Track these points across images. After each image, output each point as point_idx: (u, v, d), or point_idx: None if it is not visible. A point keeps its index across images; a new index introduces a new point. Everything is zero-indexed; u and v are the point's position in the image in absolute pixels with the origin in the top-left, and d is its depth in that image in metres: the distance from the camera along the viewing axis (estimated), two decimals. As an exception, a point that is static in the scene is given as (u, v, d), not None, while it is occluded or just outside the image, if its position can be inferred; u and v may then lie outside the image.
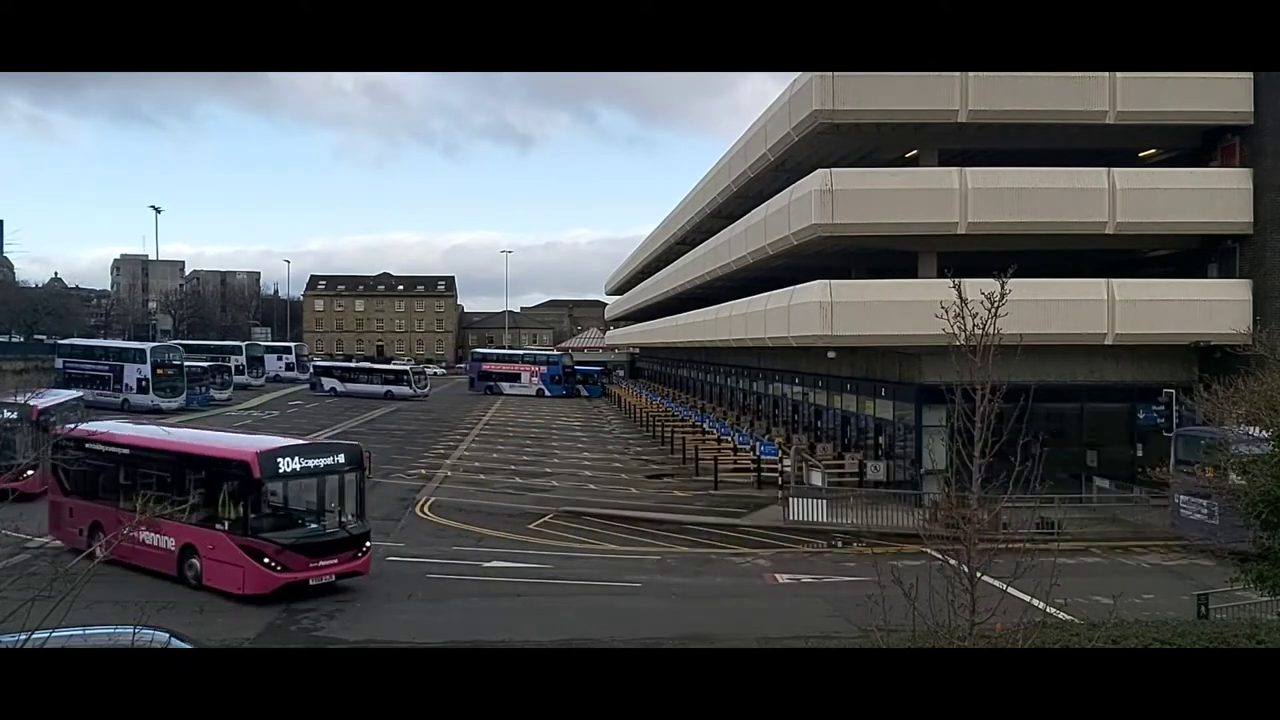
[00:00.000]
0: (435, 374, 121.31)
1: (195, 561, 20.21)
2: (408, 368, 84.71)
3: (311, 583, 19.66)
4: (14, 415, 29.96)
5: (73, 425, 26.81)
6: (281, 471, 20.01)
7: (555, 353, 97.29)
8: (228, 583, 19.54)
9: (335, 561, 20.00)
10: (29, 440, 29.62)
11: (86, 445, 22.80)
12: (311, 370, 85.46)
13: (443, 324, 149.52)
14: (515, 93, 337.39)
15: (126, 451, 22.64)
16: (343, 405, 68.61)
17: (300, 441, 23.19)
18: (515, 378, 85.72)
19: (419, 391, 77.58)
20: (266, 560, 19.27)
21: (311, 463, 20.51)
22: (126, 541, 20.19)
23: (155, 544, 20.59)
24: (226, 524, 19.81)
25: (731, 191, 42.36)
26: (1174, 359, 29.57)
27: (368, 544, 20.81)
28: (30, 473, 27.84)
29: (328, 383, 79.82)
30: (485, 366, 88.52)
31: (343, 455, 21.15)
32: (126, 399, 57.66)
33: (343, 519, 20.90)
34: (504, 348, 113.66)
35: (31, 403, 31.24)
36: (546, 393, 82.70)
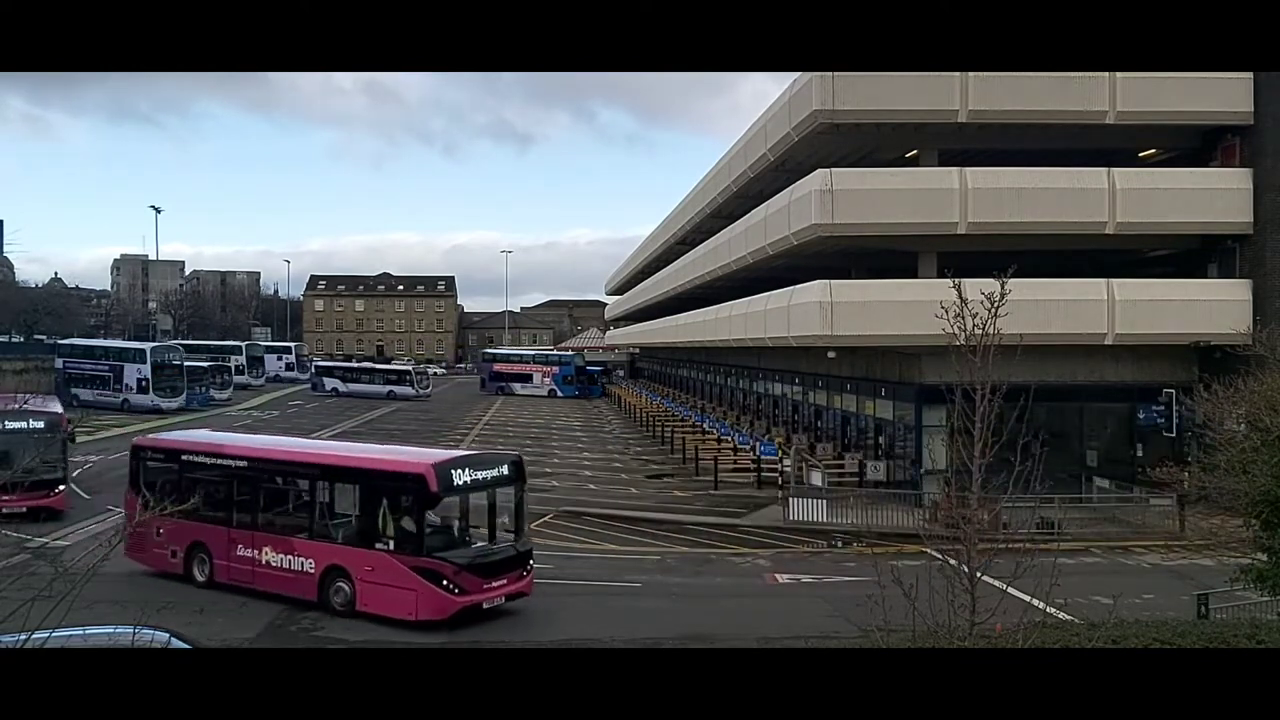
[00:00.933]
0: (435, 374, 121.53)
1: (344, 585, 18.22)
2: (410, 368, 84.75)
3: (485, 606, 17.89)
4: (40, 424, 27.53)
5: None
6: (456, 484, 18.21)
7: (568, 353, 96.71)
8: (393, 608, 17.59)
9: (505, 582, 18.24)
10: (58, 451, 27.26)
11: (184, 457, 21.19)
12: (313, 370, 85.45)
13: (443, 324, 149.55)
14: (514, 92, 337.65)
15: (245, 464, 20.41)
16: (342, 405, 68.61)
17: (469, 452, 21.45)
18: (527, 378, 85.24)
19: (421, 392, 77.60)
20: (445, 582, 17.41)
21: (481, 475, 18.76)
22: (242, 563, 19.53)
23: (287, 566, 18.95)
24: (392, 543, 17.83)
25: (731, 191, 42.37)
26: (1174, 359, 29.58)
27: (531, 562, 19.12)
28: (60, 488, 26.68)
29: (329, 383, 79.80)
30: (497, 367, 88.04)
31: (507, 466, 19.37)
32: (126, 399, 57.67)
33: (511, 535, 19.24)
34: (516, 348, 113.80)
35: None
36: (559, 393, 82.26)
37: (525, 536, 19.34)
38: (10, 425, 25.72)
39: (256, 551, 19.49)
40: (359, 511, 18.66)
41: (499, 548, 18.78)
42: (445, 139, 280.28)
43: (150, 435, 24.01)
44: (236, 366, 77.55)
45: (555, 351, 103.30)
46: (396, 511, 18.13)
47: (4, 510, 24.23)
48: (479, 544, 18.85)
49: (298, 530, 19.38)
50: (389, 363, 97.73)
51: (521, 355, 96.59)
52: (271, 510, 20.07)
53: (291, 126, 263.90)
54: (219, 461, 20.77)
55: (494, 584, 18.01)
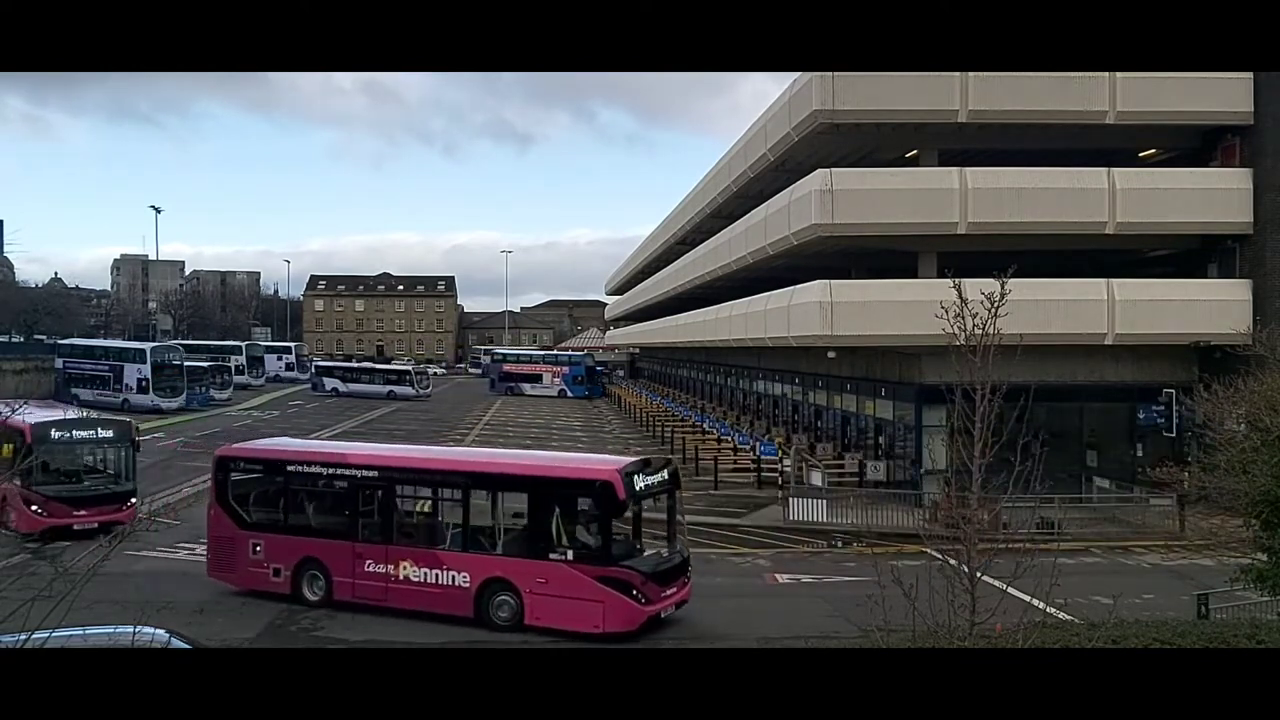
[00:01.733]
0: (435, 374, 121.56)
1: (508, 598, 17.21)
2: (410, 368, 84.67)
3: (663, 615, 17.28)
4: (109, 433, 25.82)
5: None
6: (637, 491, 17.52)
7: (578, 353, 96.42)
8: (574, 620, 16.68)
9: (675, 590, 17.60)
10: (128, 463, 25.51)
11: (291, 468, 19.66)
12: (313, 370, 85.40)
13: (443, 324, 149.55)
14: (514, 92, 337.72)
15: (376, 474, 18.99)
16: (342, 405, 68.61)
17: (638, 458, 20.72)
18: (537, 379, 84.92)
19: (421, 392, 77.57)
20: (634, 592, 16.69)
21: (653, 479, 18.15)
22: (371, 580, 18.20)
23: (433, 581, 17.80)
24: (571, 553, 16.98)
25: (731, 191, 42.37)
26: (1174, 359, 29.57)
27: (690, 569, 18.50)
28: (132, 501, 24.86)
29: (329, 383, 79.77)
30: (506, 367, 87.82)
31: (666, 472, 18.70)
32: (126, 399, 57.66)
33: (673, 540, 18.77)
34: (517, 348, 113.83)
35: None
36: (569, 394, 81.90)
37: (684, 543, 18.74)
38: (79, 435, 24.85)
39: (391, 567, 18.12)
40: (529, 521, 17.67)
41: (670, 555, 18.21)
42: (445, 139, 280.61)
43: (237, 446, 22.02)
44: (236, 366, 77.54)
45: (566, 351, 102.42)
46: (573, 520, 17.42)
47: (76, 527, 23.41)
48: (650, 552, 18.23)
49: (446, 543, 18.25)
50: (389, 363, 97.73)
51: (531, 355, 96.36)
52: (411, 522, 18.99)
53: (291, 126, 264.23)
54: (342, 471, 19.29)
55: (668, 592, 17.40)
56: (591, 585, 16.67)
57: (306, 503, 19.67)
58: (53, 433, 24.51)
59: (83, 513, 23.71)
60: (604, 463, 18.70)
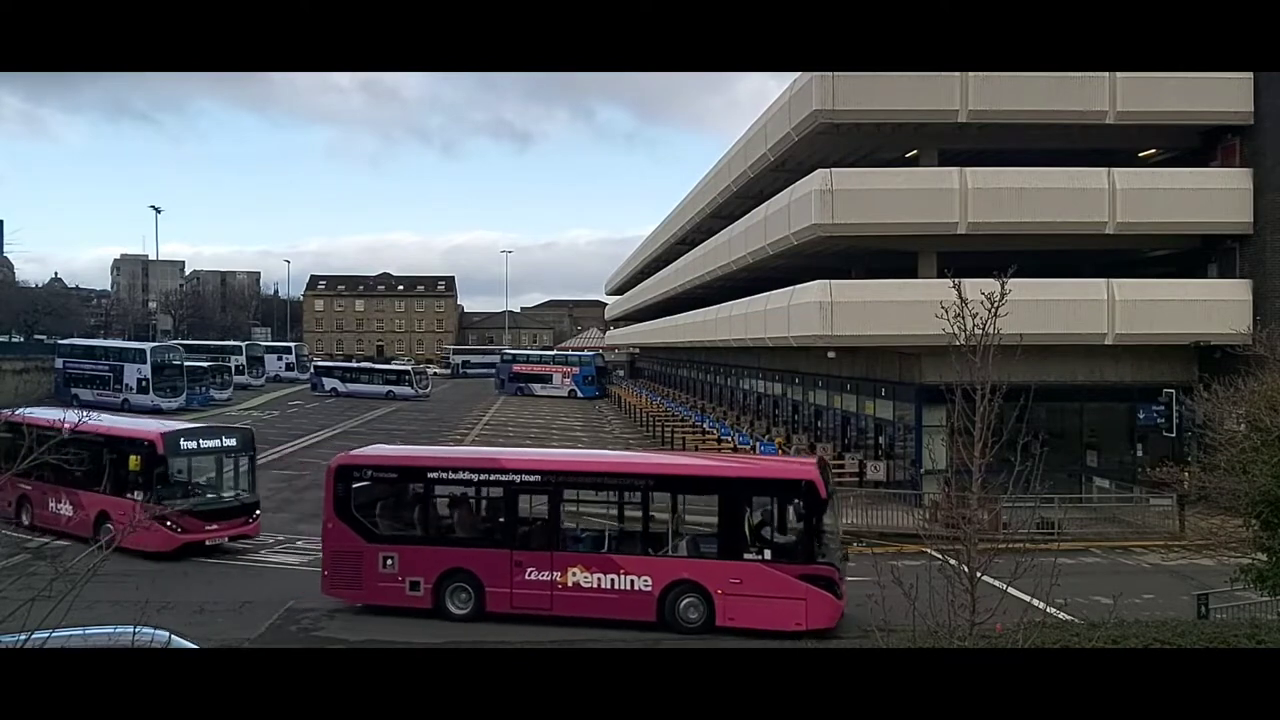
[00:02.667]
0: (435, 374, 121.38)
1: (696, 600, 16.89)
2: (409, 368, 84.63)
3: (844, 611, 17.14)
4: (233, 442, 24.45)
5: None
6: (831, 489, 17.53)
7: (588, 353, 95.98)
8: (773, 619, 16.32)
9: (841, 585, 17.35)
10: (250, 472, 24.52)
11: (431, 475, 18.94)
12: (312, 370, 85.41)
13: (443, 324, 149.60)
14: (513, 90, 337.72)
15: (538, 478, 18.18)
16: (342, 405, 68.63)
17: (819, 458, 20.68)
18: (547, 379, 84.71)
19: (420, 392, 77.58)
20: (836, 588, 16.64)
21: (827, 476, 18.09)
22: (534, 588, 17.56)
23: (609, 586, 17.29)
24: (769, 552, 16.85)
25: (731, 191, 42.38)
26: (1174, 359, 29.57)
27: None
28: (257, 513, 24.08)
29: (329, 383, 79.78)
30: (516, 368, 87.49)
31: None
32: (126, 399, 57.67)
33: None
34: (519, 348, 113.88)
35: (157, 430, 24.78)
36: (579, 394, 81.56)
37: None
38: (207, 444, 23.80)
39: (558, 574, 17.52)
40: (721, 522, 17.34)
41: (844, 548, 18.09)
42: (443, 137, 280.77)
43: (357, 454, 20.88)
44: (236, 366, 77.57)
45: (576, 352, 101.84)
46: (771, 519, 17.31)
47: (208, 543, 22.73)
48: (838, 548, 17.89)
49: (625, 547, 17.81)
50: (388, 363, 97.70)
51: (541, 356, 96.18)
52: (580, 527, 18.54)
53: (289, 124, 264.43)
54: (497, 477, 18.56)
55: (842, 586, 17.04)
56: (794, 583, 16.41)
57: (451, 511, 18.92)
58: (183, 442, 23.29)
59: (214, 527, 22.83)
60: (798, 462, 18.61)
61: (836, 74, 27.20)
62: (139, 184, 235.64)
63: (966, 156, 31.72)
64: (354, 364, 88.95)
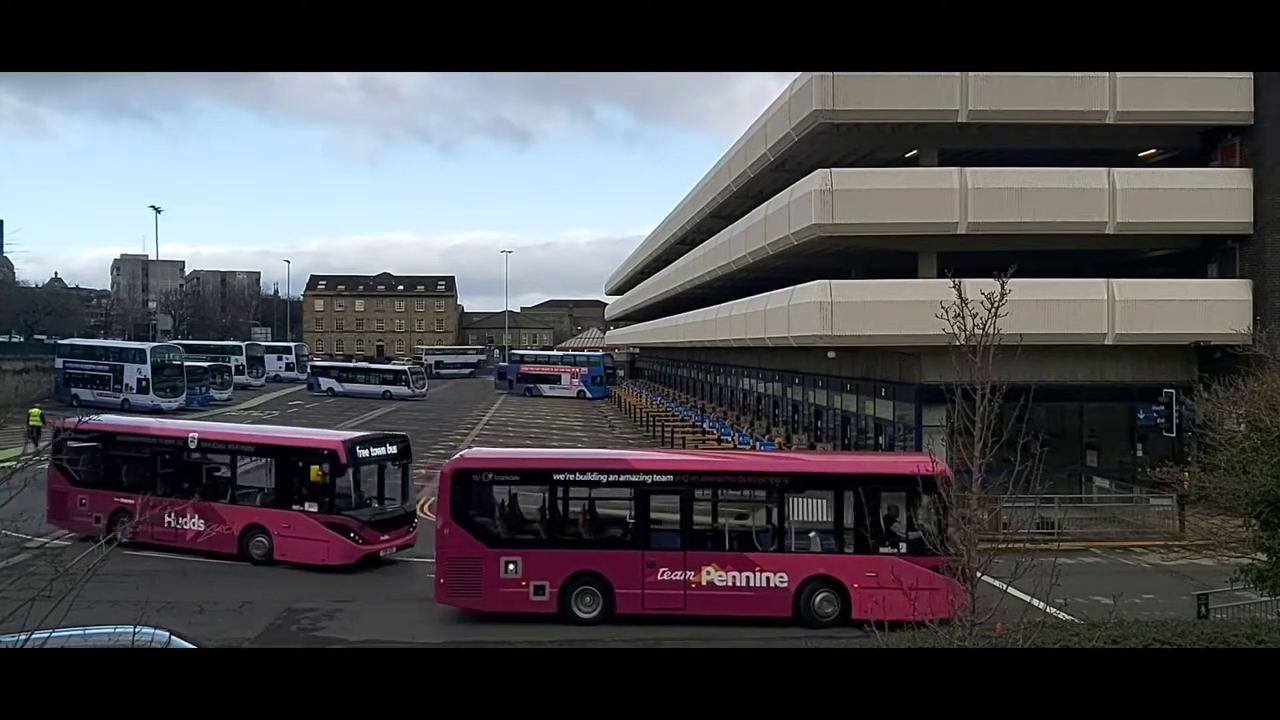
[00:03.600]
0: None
1: (830, 594, 17.00)
2: (406, 367, 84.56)
3: None
4: (394, 449, 23.43)
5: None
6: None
7: (597, 353, 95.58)
8: (905, 611, 16.04)
9: None
10: (408, 480, 23.68)
11: (555, 476, 18.42)
12: (309, 370, 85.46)
13: (443, 324, 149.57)
14: (512, 90, 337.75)
15: (670, 479, 18.09)
16: (342, 405, 68.62)
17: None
18: (555, 379, 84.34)
19: (417, 391, 77.59)
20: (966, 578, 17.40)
21: None
22: (666, 588, 17.33)
23: (745, 584, 17.38)
24: (904, 545, 17.17)
25: (732, 191, 42.39)
26: (1174, 359, 29.57)
27: None
28: (415, 521, 23.33)
29: (325, 382, 79.80)
30: (524, 368, 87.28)
31: None
32: (126, 399, 57.70)
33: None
34: (539, 348, 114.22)
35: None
36: (588, 394, 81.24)
37: None
38: (378, 452, 22.94)
39: (691, 573, 17.46)
40: (856, 518, 17.26)
41: None
42: (442, 136, 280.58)
43: (471, 457, 20.65)
44: (236, 366, 77.63)
45: (583, 351, 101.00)
46: (903, 514, 17.67)
47: (381, 554, 22.13)
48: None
49: (760, 544, 17.72)
50: (387, 362, 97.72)
51: (549, 356, 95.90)
52: (714, 526, 18.39)
53: (288, 123, 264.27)
54: (629, 478, 18.31)
55: None
56: (929, 575, 16.49)
57: (578, 513, 18.71)
58: (359, 450, 22.44)
59: (387, 537, 22.20)
60: (919, 457, 18.70)
61: (836, 74, 27.21)
62: (139, 184, 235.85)
63: (966, 156, 31.73)
64: (350, 364, 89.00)
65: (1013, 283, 8.96)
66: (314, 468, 21.73)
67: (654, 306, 71.47)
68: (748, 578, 17.34)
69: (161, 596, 17.23)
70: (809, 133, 30.28)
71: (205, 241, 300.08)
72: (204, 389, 63.47)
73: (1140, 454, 30.23)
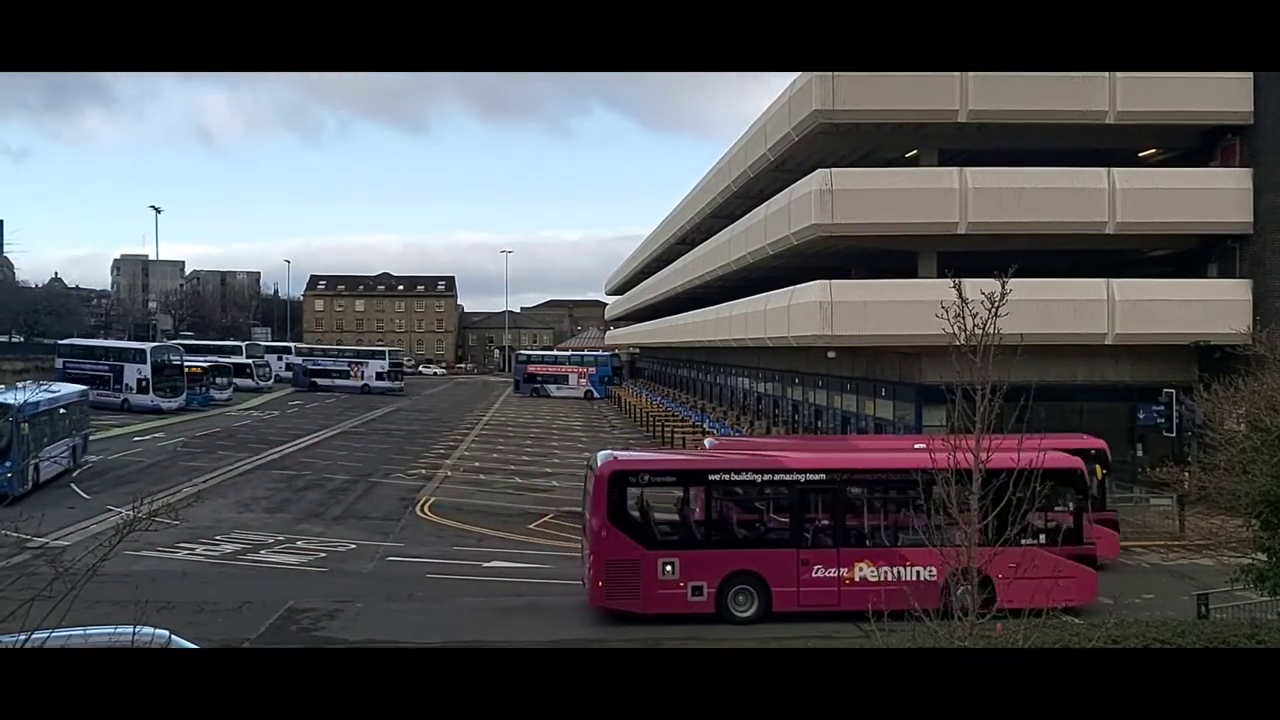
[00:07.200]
0: (436, 374, 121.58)
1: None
2: (385, 361, 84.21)
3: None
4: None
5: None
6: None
7: (603, 353, 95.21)
8: (1048, 599, 14.40)
9: None
10: None
11: (711, 477, 18.65)
12: (299, 369, 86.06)
13: (443, 324, 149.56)
14: (512, 89, 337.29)
15: (823, 477, 18.43)
16: (341, 405, 68.65)
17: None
18: (563, 379, 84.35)
19: (393, 385, 78.84)
20: (1098, 566, 17.84)
21: None
22: (821, 586, 17.31)
23: (898, 578, 17.17)
24: (1044, 536, 16.62)
25: (731, 191, 42.40)
26: (1174, 359, 29.58)
27: None
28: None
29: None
30: (531, 369, 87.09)
31: None
32: (126, 399, 57.72)
33: None
34: (539, 348, 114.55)
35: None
36: (595, 394, 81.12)
37: None
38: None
39: (845, 570, 17.65)
40: (1001, 510, 17.05)
41: None
42: (443, 136, 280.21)
43: (626, 458, 20.48)
44: (237, 367, 77.67)
45: (591, 352, 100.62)
46: (1046, 505, 17.29)
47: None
48: None
49: (908, 539, 17.46)
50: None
51: (556, 356, 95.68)
52: (865, 523, 18.46)
53: (289, 123, 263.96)
54: (783, 477, 18.43)
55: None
56: (1068, 564, 16.78)
57: (734, 513, 18.83)
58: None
59: None
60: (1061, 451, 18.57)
61: (836, 74, 27.20)
62: (139, 184, 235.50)
63: (966, 156, 31.74)
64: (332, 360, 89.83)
65: (1013, 283, 8.95)
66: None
67: (654, 306, 71.48)
68: (899, 572, 17.33)
69: (161, 596, 17.27)
70: (809, 133, 30.28)
71: (206, 242, 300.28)
72: (204, 389, 63.49)
73: (1140, 454, 30.23)
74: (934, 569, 16.82)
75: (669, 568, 17.79)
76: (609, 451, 21.33)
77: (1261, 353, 15.54)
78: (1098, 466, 19.74)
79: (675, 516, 19.10)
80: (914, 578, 17.24)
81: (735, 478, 18.80)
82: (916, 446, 17.42)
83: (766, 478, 18.74)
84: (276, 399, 73.73)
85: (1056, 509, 17.64)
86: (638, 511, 18.53)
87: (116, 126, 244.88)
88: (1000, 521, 17.35)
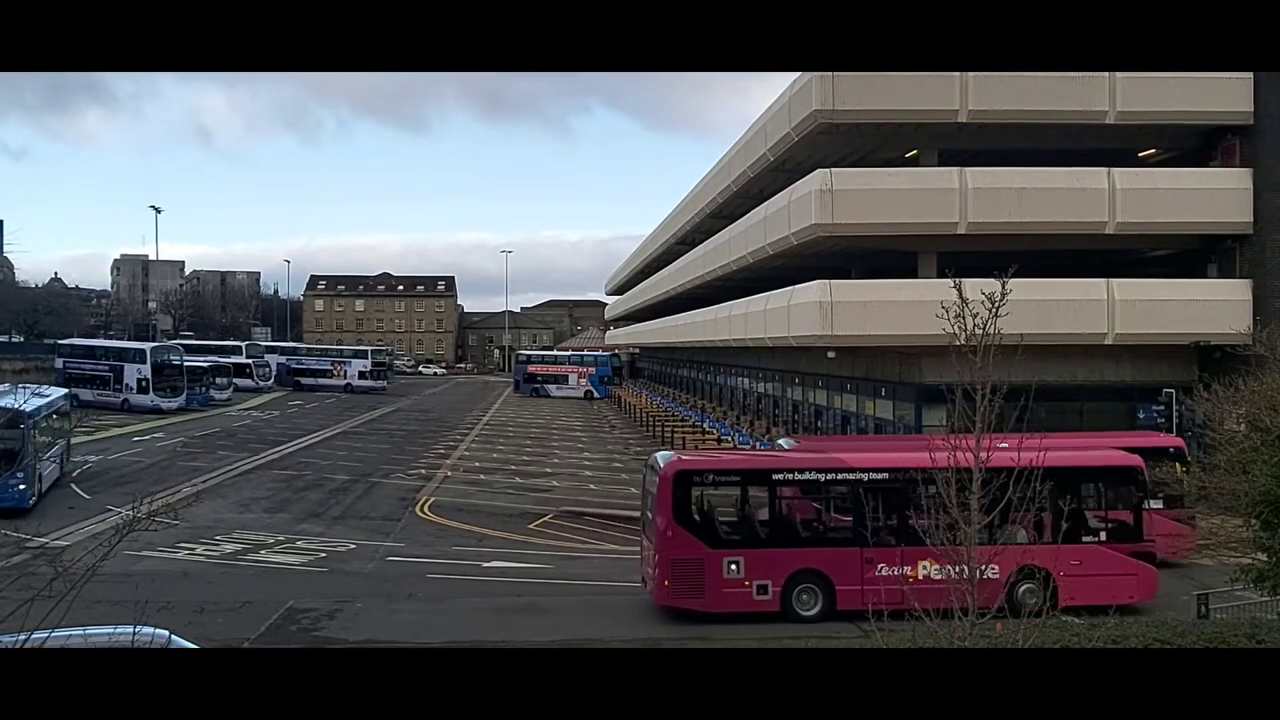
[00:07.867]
0: (436, 374, 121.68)
1: (1037, 584, 16.15)
2: (368, 361, 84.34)
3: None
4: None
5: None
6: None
7: (603, 353, 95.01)
8: (1107, 595, 15.56)
9: None
10: None
11: (774, 476, 18.80)
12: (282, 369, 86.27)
13: (443, 324, 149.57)
14: (512, 89, 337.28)
15: (886, 476, 18.40)
16: (341, 405, 68.68)
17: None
18: (563, 380, 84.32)
19: (375, 384, 79.35)
20: (1158, 563, 18.15)
21: None
22: (885, 584, 15.94)
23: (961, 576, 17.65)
24: (1104, 534, 18.03)
25: (731, 191, 42.40)
26: (1174, 359, 29.58)
27: None
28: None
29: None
30: (531, 369, 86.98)
31: None
32: (126, 399, 57.75)
33: None
34: (539, 348, 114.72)
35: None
36: (596, 394, 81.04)
37: None
38: None
39: (908, 568, 17.25)
40: (1063, 509, 16.73)
41: None
42: (443, 136, 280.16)
43: (690, 458, 20.67)
44: (237, 367, 77.73)
45: (591, 351, 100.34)
46: (1106, 504, 18.60)
47: None
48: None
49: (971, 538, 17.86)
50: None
51: (556, 356, 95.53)
52: (924, 522, 18.33)
53: (289, 123, 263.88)
54: (847, 476, 18.50)
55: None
56: (1129, 562, 17.49)
57: (797, 513, 19.03)
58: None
59: None
60: (1123, 450, 19.42)
61: (836, 74, 27.21)
62: (140, 184, 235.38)
63: (966, 156, 31.75)
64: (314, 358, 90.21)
65: (1013, 283, 8.95)
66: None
67: (654, 306, 71.48)
68: (962, 570, 17.41)
69: (161, 596, 17.28)
70: (809, 133, 30.28)
71: (206, 241, 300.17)
72: (204, 389, 63.52)
73: (1140, 454, 30.20)
74: (997, 567, 17.10)
75: (734, 567, 17.82)
76: (670, 452, 21.29)
77: (1261, 353, 15.54)
78: (1177, 464, 20.03)
79: (735, 516, 19.02)
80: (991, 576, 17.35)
81: (799, 477, 18.98)
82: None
83: (830, 477, 18.83)
84: (276, 399, 73.77)
85: (1117, 507, 18.26)
86: (701, 511, 18.55)
87: (116, 126, 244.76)
88: (1060, 519, 17.47)
